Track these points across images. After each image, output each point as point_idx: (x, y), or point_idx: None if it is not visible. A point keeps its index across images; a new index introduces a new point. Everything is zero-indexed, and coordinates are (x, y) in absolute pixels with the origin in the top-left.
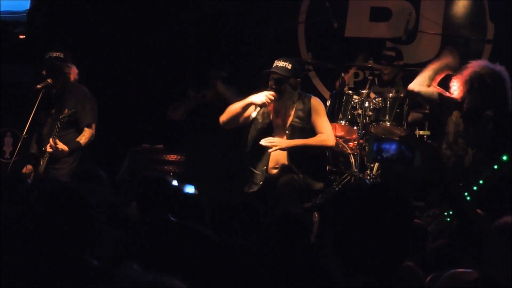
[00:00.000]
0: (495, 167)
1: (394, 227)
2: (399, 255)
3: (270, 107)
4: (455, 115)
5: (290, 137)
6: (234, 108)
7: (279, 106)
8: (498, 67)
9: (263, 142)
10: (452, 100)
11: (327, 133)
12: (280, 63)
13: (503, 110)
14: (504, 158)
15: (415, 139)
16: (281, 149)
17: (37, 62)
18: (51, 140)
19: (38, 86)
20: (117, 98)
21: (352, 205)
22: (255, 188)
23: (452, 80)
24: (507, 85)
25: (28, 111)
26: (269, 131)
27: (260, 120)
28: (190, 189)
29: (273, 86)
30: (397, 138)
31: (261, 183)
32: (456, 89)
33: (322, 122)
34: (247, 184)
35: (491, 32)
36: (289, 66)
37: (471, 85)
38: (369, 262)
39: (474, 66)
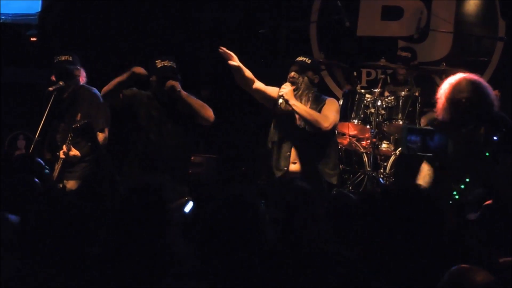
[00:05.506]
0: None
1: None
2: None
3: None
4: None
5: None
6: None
7: (297, 99)
8: (472, 75)
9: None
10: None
11: (326, 116)
12: (300, 58)
13: (490, 112)
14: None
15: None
16: (285, 101)
17: (49, 64)
18: (64, 147)
19: (50, 88)
20: None
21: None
22: (279, 174)
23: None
24: (484, 87)
25: (41, 113)
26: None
27: (280, 109)
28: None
29: (293, 76)
30: (428, 128)
31: (285, 168)
32: (438, 109)
33: (328, 109)
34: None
35: (503, 29)
36: (309, 61)
37: (447, 97)
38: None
39: (446, 80)
